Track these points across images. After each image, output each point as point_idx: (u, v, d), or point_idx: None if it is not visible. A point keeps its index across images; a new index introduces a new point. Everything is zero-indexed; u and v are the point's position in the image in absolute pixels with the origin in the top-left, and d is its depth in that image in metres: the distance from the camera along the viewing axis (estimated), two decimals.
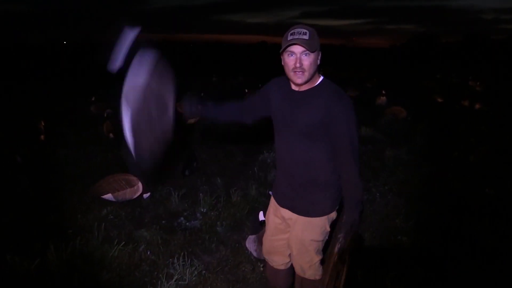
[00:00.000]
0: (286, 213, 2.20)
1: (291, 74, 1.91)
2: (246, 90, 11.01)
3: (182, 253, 3.09)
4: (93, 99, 8.66)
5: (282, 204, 2.22)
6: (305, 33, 1.83)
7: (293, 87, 2.01)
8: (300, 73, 1.88)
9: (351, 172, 1.96)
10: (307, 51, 1.84)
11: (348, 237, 1.94)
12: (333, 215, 2.18)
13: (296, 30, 1.85)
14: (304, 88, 1.98)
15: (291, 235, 2.24)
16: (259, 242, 3.00)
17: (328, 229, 2.20)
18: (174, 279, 2.82)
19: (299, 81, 1.91)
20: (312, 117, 1.92)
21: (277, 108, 2.08)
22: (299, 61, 1.86)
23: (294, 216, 2.16)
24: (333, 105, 1.89)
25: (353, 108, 1.95)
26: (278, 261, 2.41)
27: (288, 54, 1.88)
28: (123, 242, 3.19)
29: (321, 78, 2.00)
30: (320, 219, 2.13)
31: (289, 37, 1.85)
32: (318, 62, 1.92)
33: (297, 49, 1.85)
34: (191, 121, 7.55)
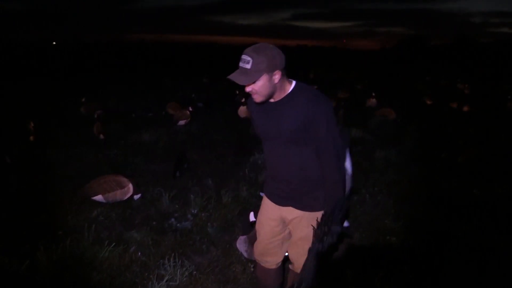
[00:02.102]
0: (290, 213, 2.20)
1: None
2: (237, 92, 11.01)
3: (173, 254, 3.09)
4: (83, 99, 8.59)
5: (284, 204, 2.21)
6: (248, 62, 1.85)
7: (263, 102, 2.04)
8: (254, 95, 1.95)
9: (332, 171, 2.00)
10: None
11: (321, 230, 1.94)
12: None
13: (242, 57, 1.88)
14: (278, 98, 2.00)
15: (296, 234, 2.25)
16: (250, 242, 3.01)
17: None
18: (165, 280, 2.82)
19: (256, 101, 1.98)
20: (294, 123, 1.95)
21: (259, 121, 2.12)
22: (247, 88, 1.92)
23: (300, 214, 2.17)
24: (312, 107, 1.92)
25: (332, 108, 1.98)
26: (271, 262, 2.42)
27: None
28: (114, 243, 3.18)
29: (293, 84, 2.01)
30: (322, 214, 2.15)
31: (239, 63, 1.89)
32: (275, 81, 1.91)
33: None
34: (182, 122, 7.55)
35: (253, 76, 1.86)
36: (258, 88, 1.90)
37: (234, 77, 1.88)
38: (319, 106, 1.92)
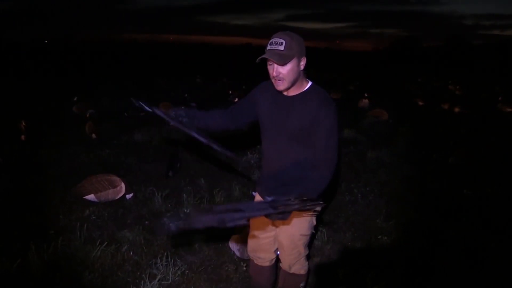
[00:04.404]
0: None
1: (272, 81, 1.97)
2: (230, 92, 11.03)
3: (165, 253, 3.09)
4: (75, 99, 8.54)
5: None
6: (281, 44, 1.85)
7: (283, 91, 2.04)
8: (280, 81, 1.92)
9: (324, 168, 1.97)
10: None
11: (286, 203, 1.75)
12: (319, 209, 2.23)
13: (273, 40, 1.88)
14: (292, 93, 2.01)
15: (281, 232, 2.27)
16: (242, 242, 3.03)
17: (315, 223, 2.26)
18: (157, 279, 2.82)
19: (279, 88, 1.96)
20: (302, 121, 1.96)
21: (267, 112, 2.10)
22: (276, 71, 1.90)
23: None
24: (321, 110, 1.93)
25: (337, 115, 1.98)
26: (264, 258, 2.44)
27: (268, 63, 1.93)
28: (106, 243, 3.17)
29: (310, 83, 2.03)
30: (308, 213, 2.17)
31: (267, 47, 1.89)
32: (301, 67, 1.94)
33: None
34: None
35: (287, 57, 1.86)
36: (286, 73, 1.89)
37: (269, 55, 1.85)
38: (328, 111, 1.93)
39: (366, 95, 10.60)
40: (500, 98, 12.09)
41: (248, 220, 1.77)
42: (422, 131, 7.90)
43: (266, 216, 1.76)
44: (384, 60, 42.42)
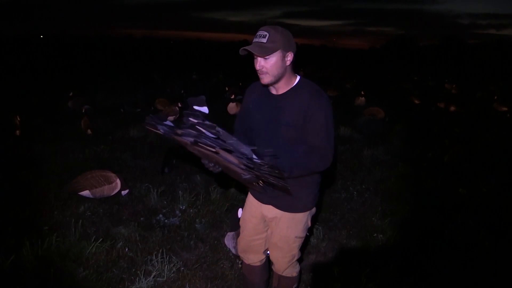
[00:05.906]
0: (270, 212, 2.18)
1: (258, 75, 1.95)
2: (227, 88, 11.01)
3: (160, 250, 3.08)
4: (70, 94, 8.48)
5: (265, 201, 2.18)
6: (264, 36, 1.83)
7: (272, 90, 2.01)
8: (263, 74, 1.90)
9: (317, 157, 1.92)
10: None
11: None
12: (314, 210, 2.22)
13: (258, 33, 1.87)
14: (281, 91, 1.98)
15: (275, 234, 2.23)
16: (238, 239, 3.02)
17: (309, 224, 2.23)
18: (152, 276, 2.82)
19: (263, 82, 1.93)
20: (294, 117, 1.92)
21: (258, 114, 2.07)
22: (259, 64, 1.88)
23: (279, 214, 2.15)
24: (312, 102, 1.89)
25: (331, 107, 1.95)
26: (253, 259, 2.42)
27: (254, 56, 1.91)
28: (101, 239, 3.16)
29: (298, 78, 2.00)
30: (303, 215, 2.15)
31: (253, 40, 1.87)
32: (287, 63, 1.90)
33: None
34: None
35: (268, 50, 1.83)
36: (269, 66, 1.87)
37: (250, 48, 1.84)
38: (319, 102, 1.90)
39: (362, 93, 10.61)
40: (495, 97, 12.12)
41: (220, 168, 1.71)
42: (417, 129, 7.92)
43: (240, 172, 1.71)
44: (380, 58, 42.47)
